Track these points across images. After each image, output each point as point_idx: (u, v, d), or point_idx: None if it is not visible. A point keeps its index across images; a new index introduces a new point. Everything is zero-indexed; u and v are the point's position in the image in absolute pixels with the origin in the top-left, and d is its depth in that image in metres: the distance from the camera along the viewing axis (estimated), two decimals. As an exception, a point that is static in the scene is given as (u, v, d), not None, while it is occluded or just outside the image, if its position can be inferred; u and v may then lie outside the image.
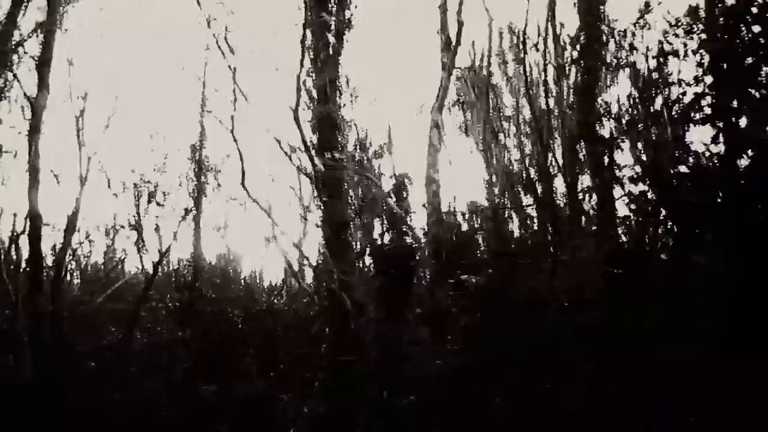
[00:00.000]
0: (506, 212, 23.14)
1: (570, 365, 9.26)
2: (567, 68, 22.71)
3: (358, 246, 13.34)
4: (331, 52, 13.75)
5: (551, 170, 21.81)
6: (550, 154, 23.01)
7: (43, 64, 12.90)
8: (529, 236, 21.41)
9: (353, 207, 13.48)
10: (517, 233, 22.33)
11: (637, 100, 13.13)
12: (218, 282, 17.31)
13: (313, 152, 13.78)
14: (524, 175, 23.09)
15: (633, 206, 9.99)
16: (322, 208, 13.55)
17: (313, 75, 13.84)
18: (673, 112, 12.75)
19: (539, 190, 21.45)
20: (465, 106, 24.15)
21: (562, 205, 21.62)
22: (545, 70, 18.87)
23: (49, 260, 21.40)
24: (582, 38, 12.04)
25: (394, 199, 13.38)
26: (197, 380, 12.71)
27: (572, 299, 10.12)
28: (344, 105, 13.94)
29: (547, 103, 19.39)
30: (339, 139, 13.79)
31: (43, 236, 15.30)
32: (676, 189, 10.04)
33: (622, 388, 8.48)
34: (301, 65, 14.03)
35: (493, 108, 23.53)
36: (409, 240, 12.30)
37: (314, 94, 13.98)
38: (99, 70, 17.78)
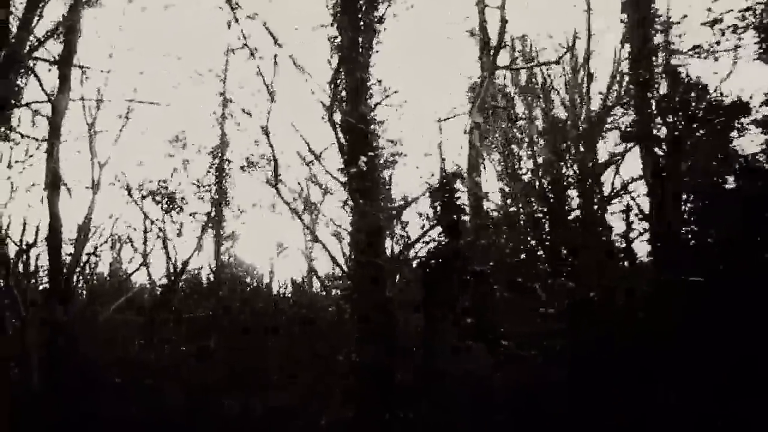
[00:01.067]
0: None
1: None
2: (582, 76, 22.55)
3: (395, 248, 12.71)
4: (361, 52, 13.25)
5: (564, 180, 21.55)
6: (563, 164, 22.75)
7: (63, 63, 12.21)
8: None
9: (388, 212, 12.86)
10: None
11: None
12: (238, 290, 16.54)
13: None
14: (537, 184, 22.64)
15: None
16: (353, 213, 12.96)
17: (343, 76, 13.34)
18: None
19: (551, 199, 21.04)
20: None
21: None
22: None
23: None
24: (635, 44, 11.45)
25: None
26: (220, 392, 11.92)
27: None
28: (375, 106, 13.38)
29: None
30: (371, 141, 13.24)
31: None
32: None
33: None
34: (331, 65, 13.61)
35: (505, 117, 23.11)
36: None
37: (343, 95, 13.48)
38: (113, 76, 16.90)
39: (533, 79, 23.33)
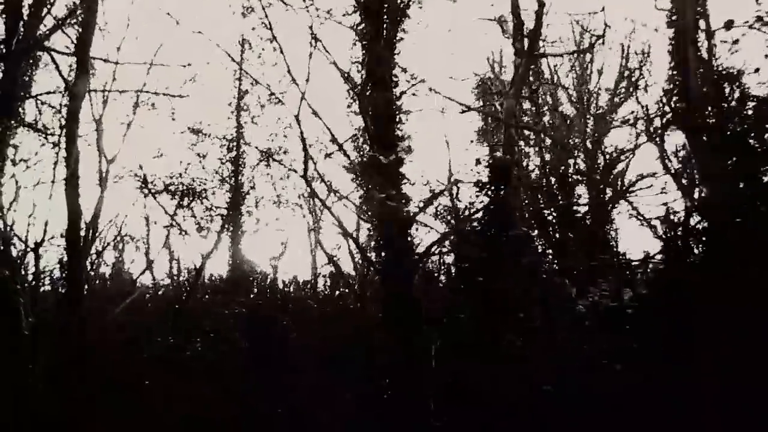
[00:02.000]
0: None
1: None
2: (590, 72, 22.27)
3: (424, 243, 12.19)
4: (386, 39, 12.76)
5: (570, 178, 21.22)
6: (571, 161, 22.41)
7: (81, 45, 11.52)
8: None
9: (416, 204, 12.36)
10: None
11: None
12: (259, 286, 15.88)
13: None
14: (545, 182, 22.26)
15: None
16: (379, 204, 12.42)
17: (367, 62, 12.84)
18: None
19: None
20: (480, 114, 23.31)
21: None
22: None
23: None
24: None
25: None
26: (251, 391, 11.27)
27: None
28: (400, 95, 12.90)
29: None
30: (396, 129, 12.76)
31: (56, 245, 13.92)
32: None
33: None
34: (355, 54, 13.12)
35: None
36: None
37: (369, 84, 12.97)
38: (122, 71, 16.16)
39: (540, 70, 23.09)
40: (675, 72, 10.52)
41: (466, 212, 11.48)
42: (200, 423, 10.31)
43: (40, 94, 13.19)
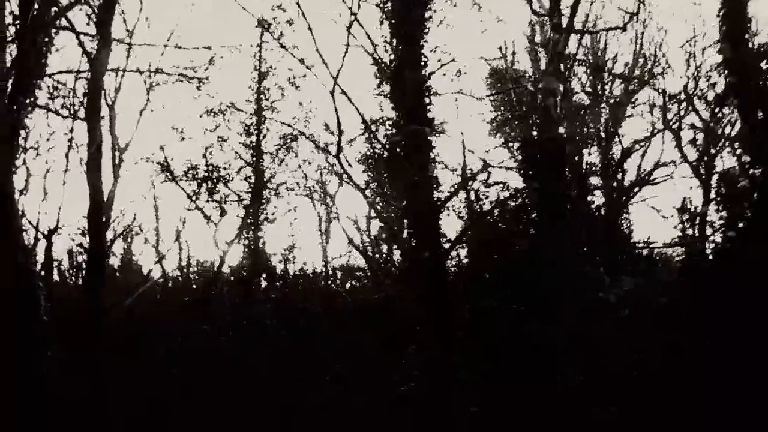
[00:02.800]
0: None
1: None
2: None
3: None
4: (414, 18, 12.22)
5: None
6: (585, 152, 22.00)
7: (104, 8, 10.86)
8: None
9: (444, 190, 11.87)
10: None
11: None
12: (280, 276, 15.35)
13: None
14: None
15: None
16: (408, 189, 11.91)
17: (396, 41, 12.31)
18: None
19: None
20: (494, 103, 22.85)
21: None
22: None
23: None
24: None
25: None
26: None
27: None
28: (429, 75, 12.37)
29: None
30: (426, 111, 12.24)
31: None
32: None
33: None
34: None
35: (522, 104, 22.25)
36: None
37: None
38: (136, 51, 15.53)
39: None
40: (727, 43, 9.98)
41: (502, 196, 10.97)
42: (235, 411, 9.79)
43: (56, 73, 12.57)
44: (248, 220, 14.85)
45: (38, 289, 10.44)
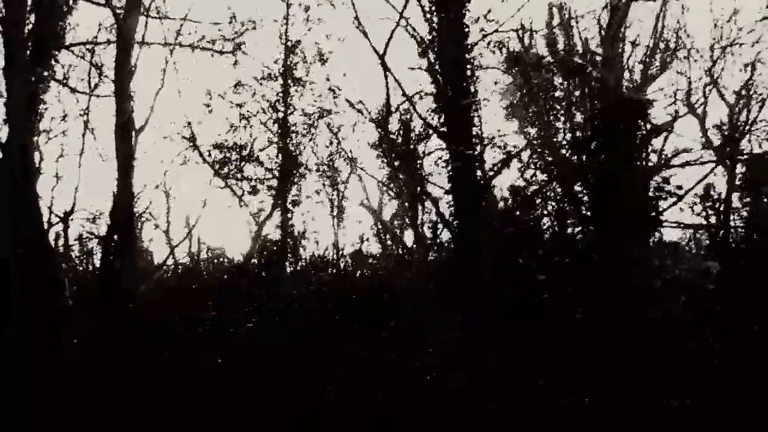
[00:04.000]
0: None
1: None
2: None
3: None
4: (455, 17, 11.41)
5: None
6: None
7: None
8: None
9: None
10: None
11: None
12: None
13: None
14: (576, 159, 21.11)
15: None
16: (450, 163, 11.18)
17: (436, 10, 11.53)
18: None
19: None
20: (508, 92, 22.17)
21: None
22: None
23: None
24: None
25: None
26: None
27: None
28: (471, 47, 11.58)
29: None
30: (468, 84, 11.47)
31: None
32: None
33: None
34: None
35: (540, 89, 21.57)
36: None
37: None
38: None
39: (571, 43, 22.01)
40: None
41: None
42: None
43: (74, 44, 11.65)
44: (278, 201, 14.03)
45: (61, 271, 9.62)
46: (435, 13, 11.56)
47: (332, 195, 21.73)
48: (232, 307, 10.27)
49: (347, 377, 10.48)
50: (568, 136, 21.65)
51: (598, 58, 22.13)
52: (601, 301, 10.24)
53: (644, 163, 21.39)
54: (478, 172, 11.51)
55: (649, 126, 8.67)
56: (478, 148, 11.29)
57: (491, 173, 11.31)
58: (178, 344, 9.25)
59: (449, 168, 11.41)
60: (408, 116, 17.65)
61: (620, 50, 13.81)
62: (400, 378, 10.58)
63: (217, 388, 8.81)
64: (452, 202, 11.61)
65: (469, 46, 11.59)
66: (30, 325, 8.42)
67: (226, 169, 13.78)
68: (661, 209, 9.84)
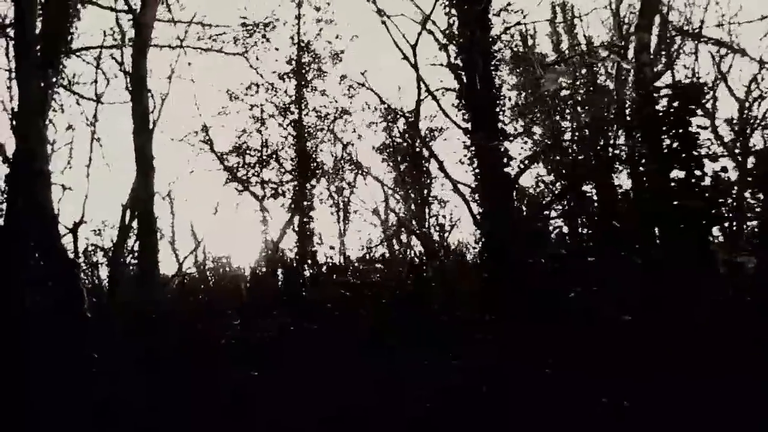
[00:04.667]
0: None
1: None
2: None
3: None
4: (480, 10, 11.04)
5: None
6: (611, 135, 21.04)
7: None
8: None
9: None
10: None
11: None
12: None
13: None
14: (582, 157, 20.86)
15: None
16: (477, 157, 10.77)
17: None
18: None
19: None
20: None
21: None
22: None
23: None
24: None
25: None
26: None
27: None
28: (494, 39, 11.20)
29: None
30: (493, 77, 11.08)
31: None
32: None
33: None
34: None
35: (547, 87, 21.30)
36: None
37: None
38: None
39: (576, 41, 21.97)
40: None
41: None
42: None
43: (83, 49, 11.14)
44: (299, 204, 13.54)
45: (80, 280, 9.09)
46: (456, 7, 11.21)
47: (337, 199, 21.33)
48: (258, 315, 9.77)
49: (378, 384, 10.02)
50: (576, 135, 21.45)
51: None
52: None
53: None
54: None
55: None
56: (506, 143, 10.89)
57: (518, 169, 10.90)
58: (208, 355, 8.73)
59: (475, 165, 11.03)
60: (412, 117, 17.29)
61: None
62: (433, 383, 10.13)
63: (249, 397, 8.30)
64: (478, 200, 11.23)
65: (491, 39, 11.25)
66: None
67: (243, 173, 13.33)
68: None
